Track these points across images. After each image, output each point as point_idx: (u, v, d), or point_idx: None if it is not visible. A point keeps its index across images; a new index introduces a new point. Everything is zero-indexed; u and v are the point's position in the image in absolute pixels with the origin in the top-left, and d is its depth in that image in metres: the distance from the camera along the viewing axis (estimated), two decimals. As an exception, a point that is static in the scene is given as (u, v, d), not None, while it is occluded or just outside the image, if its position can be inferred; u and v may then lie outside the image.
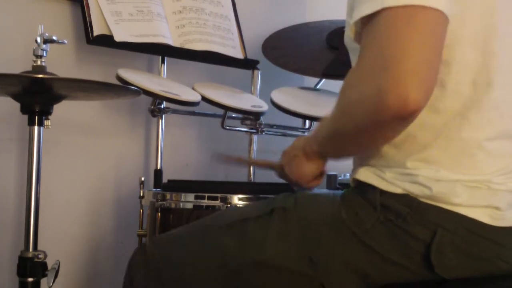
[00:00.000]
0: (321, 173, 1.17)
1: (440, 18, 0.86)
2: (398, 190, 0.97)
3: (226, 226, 1.11)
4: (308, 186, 1.18)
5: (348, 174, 1.14)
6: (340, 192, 1.09)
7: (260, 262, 1.04)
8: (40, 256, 1.40)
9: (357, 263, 0.99)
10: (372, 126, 0.90)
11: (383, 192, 0.99)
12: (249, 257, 1.06)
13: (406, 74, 0.82)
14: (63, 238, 1.92)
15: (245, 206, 1.18)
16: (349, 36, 0.96)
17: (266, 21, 2.39)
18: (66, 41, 1.50)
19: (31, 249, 1.40)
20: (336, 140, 1.02)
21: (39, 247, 1.42)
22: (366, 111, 0.88)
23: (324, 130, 1.05)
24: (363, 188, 1.02)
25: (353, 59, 1.07)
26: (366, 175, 1.02)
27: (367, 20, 0.88)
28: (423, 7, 0.84)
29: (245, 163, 1.37)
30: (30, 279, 1.39)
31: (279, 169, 1.21)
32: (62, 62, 1.83)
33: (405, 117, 0.85)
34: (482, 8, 0.96)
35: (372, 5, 0.86)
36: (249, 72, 2.14)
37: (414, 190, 0.96)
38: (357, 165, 1.07)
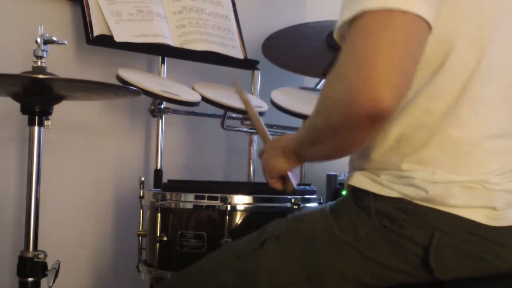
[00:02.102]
0: (287, 180, 1.18)
1: (419, 24, 0.85)
2: (394, 194, 0.97)
3: (221, 267, 1.11)
4: (270, 182, 1.19)
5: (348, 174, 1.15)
6: (328, 204, 1.09)
7: None
8: (40, 256, 1.40)
9: (354, 273, 0.99)
10: (343, 125, 0.89)
11: (377, 197, 0.98)
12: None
13: (376, 75, 0.82)
14: (63, 238, 1.92)
15: (236, 242, 1.19)
16: (337, 40, 0.96)
17: (266, 21, 2.39)
18: (66, 42, 1.50)
19: (31, 249, 1.40)
20: (310, 139, 1.02)
21: (39, 247, 1.42)
22: (337, 108, 0.88)
23: (301, 131, 1.06)
24: (357, 194, 1.02)
25: None
26: (360, 180, 1.02)
27: (350, 25, 0.89)
28: (403, 12, 0.84)
29: (250, 112, 1.37)
30: (30, 279, 1.39)
31: (262, 152, 1.22)
32: (62, 63, 1.83)
33: (374, 117, 0.84)
34: (479, 8, 0.96)
35: (352, 9, 0.87)
36: (249, 72, 2.14)
37: (410, 192, 0.96)
38: (351, 170, 1.07)
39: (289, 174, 1.17)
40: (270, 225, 1.12)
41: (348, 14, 0.87)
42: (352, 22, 0.87)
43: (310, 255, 1.03)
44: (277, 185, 1.20)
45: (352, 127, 0.89)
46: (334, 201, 1.10)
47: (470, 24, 0.95)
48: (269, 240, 1.07)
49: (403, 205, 0.96)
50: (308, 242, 1.04)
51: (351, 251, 0.99)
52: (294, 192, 1.19)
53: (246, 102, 1.39)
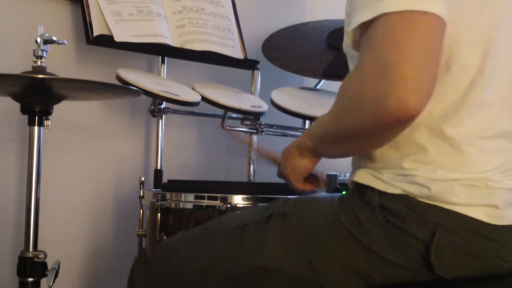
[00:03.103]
0: (315, 179, 1.18)
1: (439, 23, 0.87)
2: (397, 191, 0.97)
3: (225, 232, 1.12)
4: (299, 187, 1.19)
5: (348, 174, 1.15)
6: (338, 194, 1.10)
7: (260, 268, 1.05)
8: (40, 256, 1.40)
9: (357, 264, 1.00)
10: (373, 130, 0.91)
11: (381, 193, 0.99)
12: (249, 262, 1.06)
13: (404, 79, 0.83)
14: (63, 238, 1.92)
15: (244, 212, 1.19)
16: (347, 43, 0.96)
17: (266, 21, 2.39)
18: (66, 42, 1.50)
19: (31, 249, 1.41)
20: (333, 138, 1.03)
21: (39, 247, 1.42)
22: (367, 116, 0.88)
23: (321, 129, 1.06)
24: (361, 190, 1.02)
25: (351, 66, 1.08)
26: (364, 177, 1.03)
27: (366, 27, 0.89)
28: (423, 13, 0.85)
29: (249, 146, 1.37)
30: (30, 279, 1.39)
31: (278, 166, 1.21)
32: (62, 63, 1.83)
33: (404, 121, 0.86)
34: (483, 13, 0.97)
35: (370, 11, 0.87)
36: (249, 72, 2.14)
37: (413, 190, 0.96)
38: (355, 168, 1.07)
39: (314, 172, 1.17)
40: (278, 201, 1.12)
41: (367, 16, 0.87)
42: (368, 25, 0.88)
43: (314, 239, 1.03)
44: (308, 187, 1.20)
45: (382, 130, 0.90)
46: (342, 193, 1.10)
47: (474, 29, 0.96)
48: (275, 215, 1.08)
49: (406, 201, 0.96)
50: (313, 226, 1.04)
51: (355, 243, 0.99)
52: (322, 188, 1.19)
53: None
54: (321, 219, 1.04)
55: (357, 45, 0.93)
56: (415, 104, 0.84)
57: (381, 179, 1.00)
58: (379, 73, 0.85)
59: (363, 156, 1.04)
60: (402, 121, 0.86)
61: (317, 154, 1.11)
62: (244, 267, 1.06)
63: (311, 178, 1.19)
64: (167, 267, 1.16)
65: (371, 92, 0.86)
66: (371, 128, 0.90)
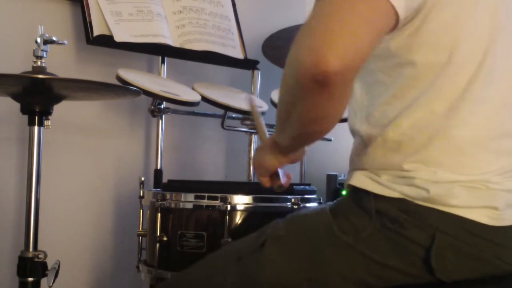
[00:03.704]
0: (276, 174, 1.17)
1: (385, 9, 0.86)
2: (395, 194, 0.97)
3: (222, 268, 1.11)
4: (262, 181, 1.19)
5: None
6: (327, 205, 1.09)
7: None
8: (40, 256, 1.40)
9: (356, 273, 0.99)
10: (296, 90, 0.89)
11: (378, 197, 0.98)
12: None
13: (328, 33, 0.82)
14: (63, 238, 1.92)
15: (237, 243, 1.18)
16: None
17: (266, 21, 2.39)
18: (66, 42, 1.50)
19: (31, 249, 1.41)
20: (279, 118, 1.01)
21: (39, 247, 1.42)
22: (291, 69, 0.88)
23: (276, 117, 1.05)
24: (357, 194, 1.02)
25: None
26: (360, 180, 1.02)
27: None
28: None
29: (255, 117, 1.36)
30: (30, 279, 1.39)
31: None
32: (62, 63, 1.83)
33: (318, 76, 0.83)
34: (482, 11, 0.96)
35: None
36: (249, 72, 2.14)
37: (411, 193, 0.96)
38: (352, 169, 1.07)
39: (279, 171, 1.17)
40: (269, 226, 1.12)
41: None
42: None
43: (310, 256, 1.02)
44: (266, 183, 1.19)
45: (304, 92, 0.88)
46: (334, 201, 1.10)
47: (473, 27, 0.96)
48: (269, 241, 1.07)
49: (404, 205, 0.96)
50: (308, 243, 1.04)
51: (352, 252, 0.99)
52: (281, 189, 1.18)
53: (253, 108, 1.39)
54: (315, 234, 1.04)
55: None
56: (331, 61, 0.81)
57: (378, 181, 0.99)
58: (308, 28, 0.85)
59: (362, 157, 1.04)
60: (315, 77, 0.83)
61: (281, 148, 1.10)
62: None
63: (273, 176, 1.19)
64: None
65: (296, 48, 0.86)
66: (295, 90, 0.89)
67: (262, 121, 1.30)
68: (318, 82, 0.83)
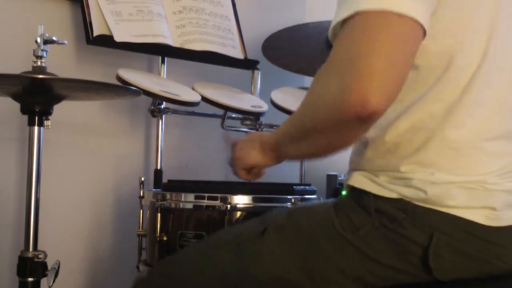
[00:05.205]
0: (258, 172, 1.18)
1: (414, 28, 0.85)
2: (393, 195, 0.97)
3: (223, 244, 1.12)
4: (240, 174, 1.19)
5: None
6: (332, 200, 1.09)
7: (259, 278, 1.05)
8: (40, 256, 1.40)
9: (354, 270, 0.99)
10: (331, 124, 0.89)
11: (377, 197, 0.98)
12: (248, 273, 1.06)
13: (370, 71, 0.81)
14: (63, 238, 1.92)
15: (239, 226, 1.18)
16: (330, 39, 0.96)
17: (266, 21, 2.39)
18: (66, 42, 1.50)
19: (31, 249, 1.41)
20: (293, 135, 1.01)
21: (39, 247, 1.42)
22: (326, 105, 0.87)
23: (287, 127, 1.05)
24: (357, 193, 1.02)
25: None
26: (359, 180, 1.02)
27: (343, 24, 0.88)
28: (399, 15, 0.83)
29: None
30: (30, 279, 1.39)
31: (235, 142, 1.21)
32: (62, 63, 1.83)
33: (363, 117, 0.84)
34: (480, 14, 0.96)
35: (348, 8, 0.86)
36: (249, 72, 2.14)
37: (409, 194, 0.96)
38: (351, 170, 1.07)
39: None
40: (272, 214, 1.12)
41: (343, 14, 0.87)
42: (346, 21, 0.87)
43: (310, 248, 1.03)
44: (243, 175, 1.20)
45: (340, 127, 0.88)
46: (337, 197, 1.10)
47: (472, 31, 0.96)
48: (270, 228, 1.07)
49: (402, 205, 0.96)
50: (309, 235, 1.04)
51: (351, 248, 0.99)
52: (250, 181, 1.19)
53: None
54: (316, 227, 1.04)
55: None
56: (378, 101, 0.81)
57: (377, 182, 0.99)
58: (345, 65, 0.83)
59: (360, 158, 1.04)
60: (360, 117, 0.83)
61: (278, 153, 1.10)
62: (244, 277, 1.06)
63: (250, 170, 1.19)
64: (167, 279, 1.16)
65: (334, 81, 0.85)
66: (330, 124, 0.88)
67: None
68: (362, 120, 0.84)
